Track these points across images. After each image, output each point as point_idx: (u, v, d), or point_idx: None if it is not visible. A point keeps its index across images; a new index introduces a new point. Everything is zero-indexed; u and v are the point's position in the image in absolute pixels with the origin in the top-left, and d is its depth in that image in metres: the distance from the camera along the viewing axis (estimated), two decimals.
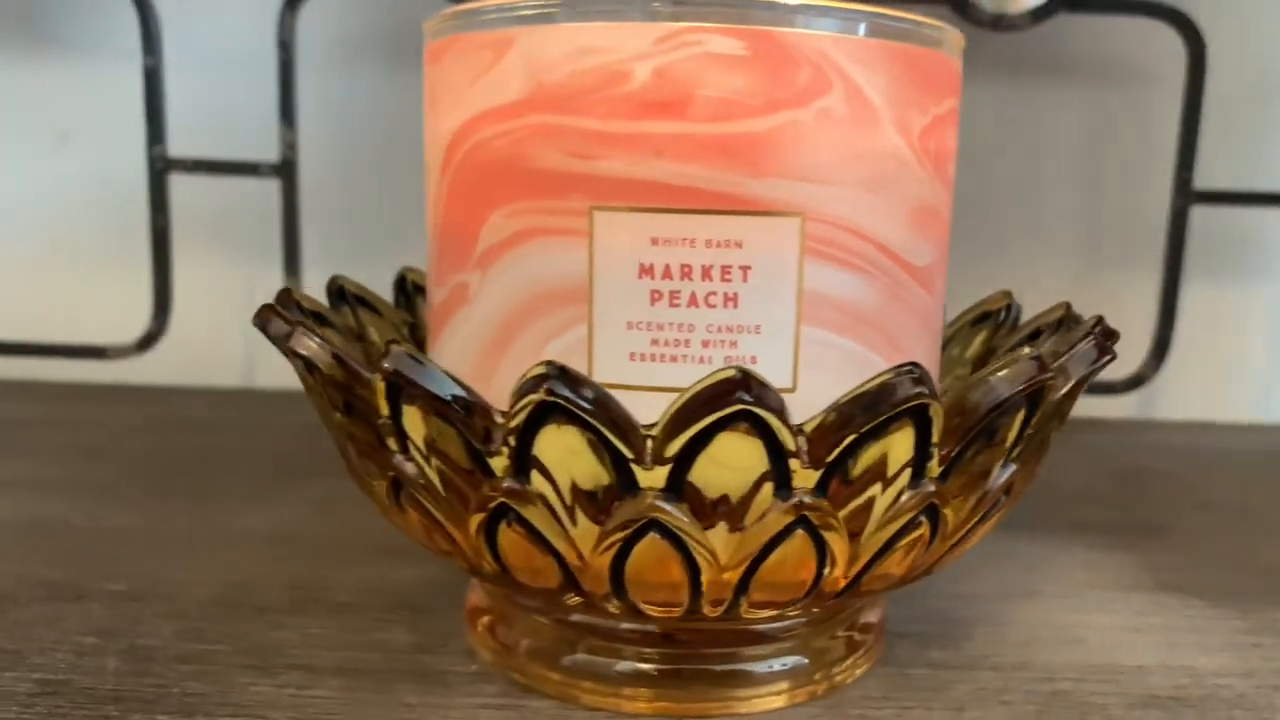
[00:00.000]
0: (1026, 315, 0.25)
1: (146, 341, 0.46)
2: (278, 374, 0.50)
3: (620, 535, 0.17)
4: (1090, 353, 0.20)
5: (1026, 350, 0.19)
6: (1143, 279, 0.46)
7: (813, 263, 0.18)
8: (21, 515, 0.30)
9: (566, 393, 0.16)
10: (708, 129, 0.17)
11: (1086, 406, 0.33)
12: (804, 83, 0.18)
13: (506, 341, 0.19)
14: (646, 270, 0.18)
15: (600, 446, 0.16)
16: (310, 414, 0.42)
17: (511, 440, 0.17)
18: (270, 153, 0.46)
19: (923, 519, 0.18)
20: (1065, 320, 0.23)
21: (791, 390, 0.18)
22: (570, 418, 0.16)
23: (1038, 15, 0.42)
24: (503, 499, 0.17)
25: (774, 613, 0.19)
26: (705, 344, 0.18)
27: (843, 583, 0.18)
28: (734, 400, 0.15)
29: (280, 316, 0.20)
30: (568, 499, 0.17)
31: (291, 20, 0.44)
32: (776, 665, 0.21)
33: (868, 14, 0.18)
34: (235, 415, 0.43)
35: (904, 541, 0.18)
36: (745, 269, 0.18)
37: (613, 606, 0.18)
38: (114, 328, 0.47)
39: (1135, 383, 0.45)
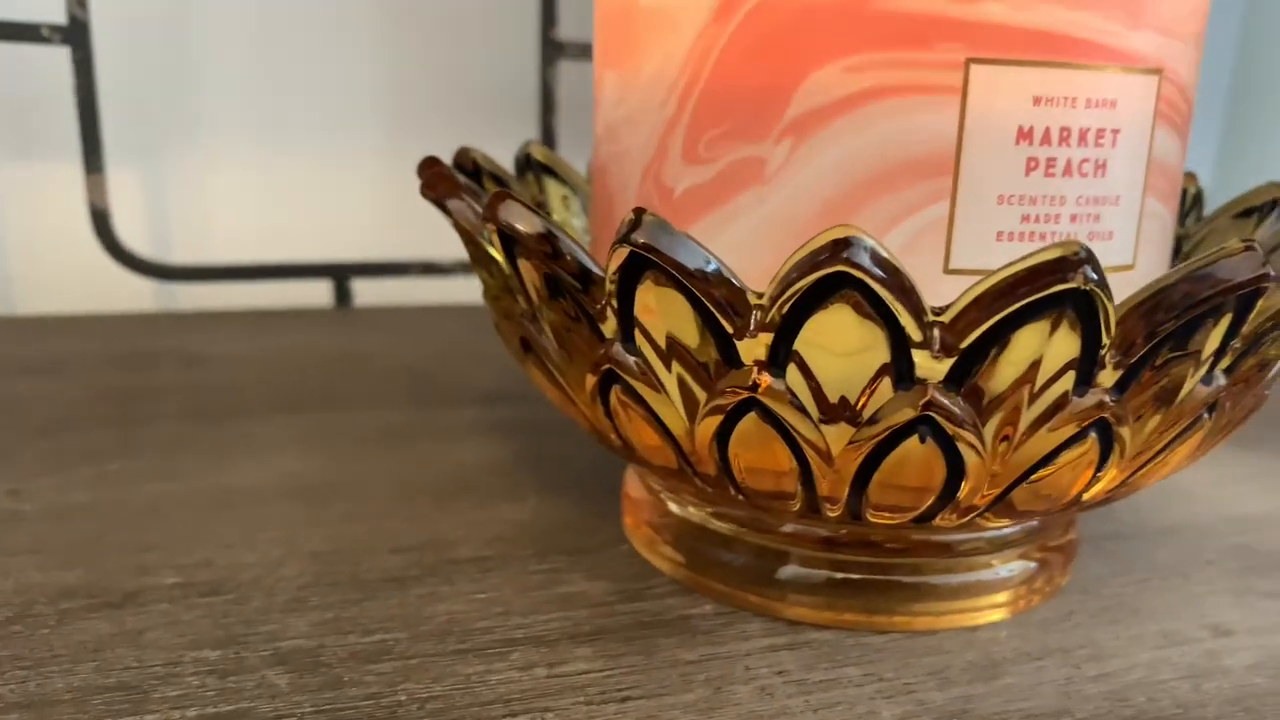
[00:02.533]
0: None
1: None
2: (49, 296, 0.40)
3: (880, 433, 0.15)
4: None
5: (1237, 241, 0.14)
6: None
7: (1160, 126, 0.17)
8: None
9: (867, 264, 0.13)
10: None
11: None
12: None
13: (830, 225, 0.16)
14: (1025, 135, 0.16)
15: (885, 330, 0.14)
16: (136, 343, 0.34)
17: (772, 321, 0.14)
18: (48, 12, 0.36)
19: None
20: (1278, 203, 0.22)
21: (1131, 267, 0.17)
22: (864, 296, 0.13)
23: None
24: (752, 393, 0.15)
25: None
26: (1073, 218, 0.16)
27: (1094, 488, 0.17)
28: (1070, 283, 0.13)
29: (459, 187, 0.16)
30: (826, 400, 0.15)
31: None
32: (1004, 571, 0.20)
33: None
34: (50, 349, 0.34)
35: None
36: (1116, 133, 0.16)
37: (839, 512, 0.17)
38: None
39: None
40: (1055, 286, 0.13)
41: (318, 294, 0.43)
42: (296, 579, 0.19)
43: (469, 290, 0.44)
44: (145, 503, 0.22)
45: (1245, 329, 0.15)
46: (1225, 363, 0.16)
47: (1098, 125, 0.16)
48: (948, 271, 0.16)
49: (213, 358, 0.33)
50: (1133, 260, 0.17)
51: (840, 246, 0.13)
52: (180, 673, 0.16)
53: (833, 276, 0.13)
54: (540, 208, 0.22)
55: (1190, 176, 0.23)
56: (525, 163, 0.23)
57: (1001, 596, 0.19)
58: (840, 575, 0.19)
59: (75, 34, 0.35)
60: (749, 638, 0.18)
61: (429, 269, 0.42)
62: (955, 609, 0.19)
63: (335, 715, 0.15)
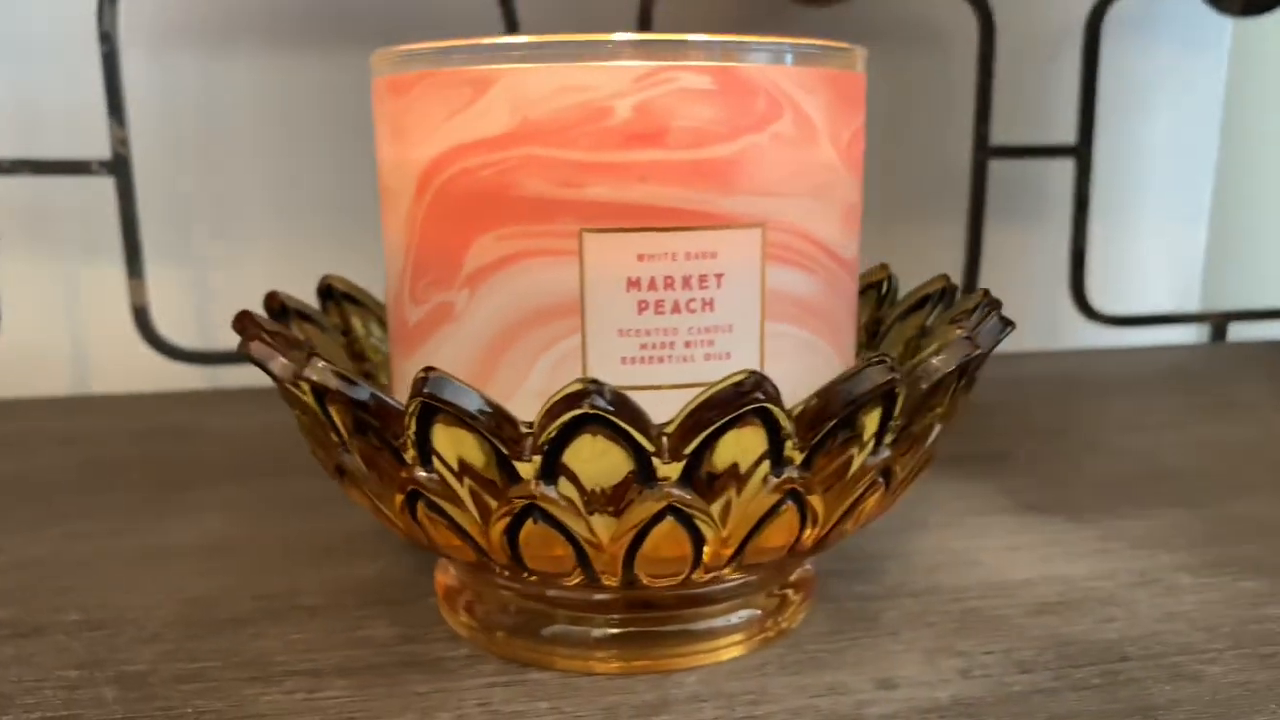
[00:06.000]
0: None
1: None
2: (110, 379, 0.48)
3: (638, 524, 0.19)
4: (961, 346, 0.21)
5: (874, 355, 0.20)
6: (948, 228, 0.52)
7: (772, 266, 0.21)
8: None
9: (604, 404, 0.18)
10: (684, 155, 0.20)
11: None
12: (761, 110, 0.20)
13: (500, 352, 0.21)
14: (634, 283, 0.20)
15: (628, 448, 0.18)
16: (150, 419, 0.41)
17: (542, 448, 0.18)
18: (97, 148, 0.44)
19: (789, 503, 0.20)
20: (946, 292, 0.26)
21: None
22: (606, 426, 0.18)
23: None
24: (532, 500, 0.19)
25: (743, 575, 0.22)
26: (687, 344, 0.20)
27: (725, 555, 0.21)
28: (749, 400, 0.18)
29: (266, 337, 0.21)
30: (589, 495, 0.19)
31: (112, 12, 0.42)
32: (734, 619, 0.23)
33: (806, 46, 0.21)
34: (77, 425, 0.41)
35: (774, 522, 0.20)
36: (719, 276, 0.20)
37: (618, 582, 0.21)
38: None
39: None
40: (742, 406, 0.18)
41: None
42: (166, 617, 0.25)
43: None
44: (83, 555, 0.28)
45: (899, 412, 0.19)
46: (890, 437, 0.20)
47: (700, 272, 0.20)
48: None
49: (208, 431, 0.40)
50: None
51: (584, 395, 0.18)
52: (42, 686, 0.22)
53: (582, 415, 0.18)
54: (348, 334, 0.28)
55: (883, 268, 0.27)
56: (327, 293, 0.28)
57: (705, 645, 0.23)
58: (596, 631, 0.23)
59: (119, 167, 0.43)
60: (479, 676, 0.22)
61: None
62: (690, 651, 0.23)
63: None
